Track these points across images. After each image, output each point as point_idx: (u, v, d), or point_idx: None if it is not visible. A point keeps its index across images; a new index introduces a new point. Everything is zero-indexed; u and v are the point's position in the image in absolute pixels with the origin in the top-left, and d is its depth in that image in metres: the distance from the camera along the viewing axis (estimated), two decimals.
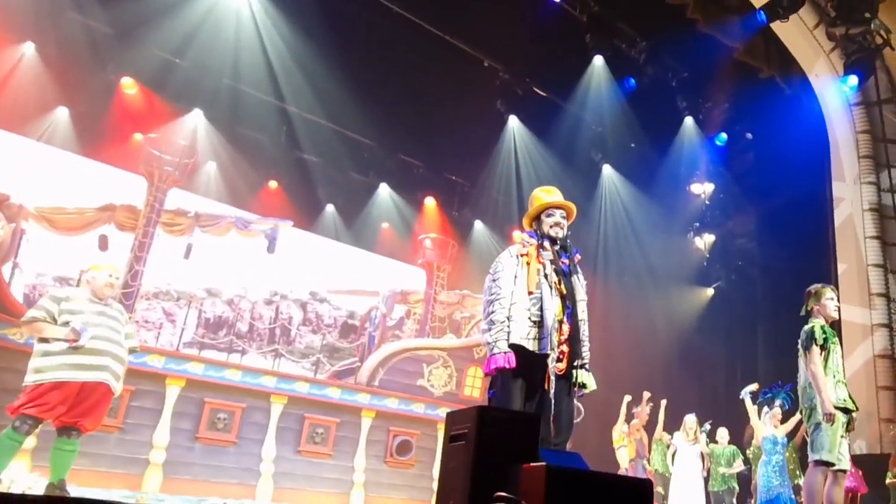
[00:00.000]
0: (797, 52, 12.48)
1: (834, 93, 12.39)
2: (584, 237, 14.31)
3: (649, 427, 10.33)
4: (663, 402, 10.13)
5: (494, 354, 3.78)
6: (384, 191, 15.55)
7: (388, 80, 12.46)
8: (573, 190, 11.52)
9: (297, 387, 9.52)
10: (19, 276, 9.25)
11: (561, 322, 3.89)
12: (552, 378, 3.79)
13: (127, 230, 10.32)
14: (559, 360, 3.84)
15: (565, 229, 4.15)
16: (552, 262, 4.02)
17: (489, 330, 3.86)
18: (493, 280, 3.99)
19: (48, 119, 11.87)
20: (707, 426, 9.68)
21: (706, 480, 9.54)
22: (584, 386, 3.99)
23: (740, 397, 8.62)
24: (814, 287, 5.31)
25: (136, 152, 10.94)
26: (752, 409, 8.51)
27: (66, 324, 4.84)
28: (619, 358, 13.11)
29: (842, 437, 4.88)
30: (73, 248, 10.70)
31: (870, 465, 8.90)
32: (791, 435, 8.52)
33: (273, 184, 14.37)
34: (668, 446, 10.06)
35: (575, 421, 4.12)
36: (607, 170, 15.56)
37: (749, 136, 14.70)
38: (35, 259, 10.94)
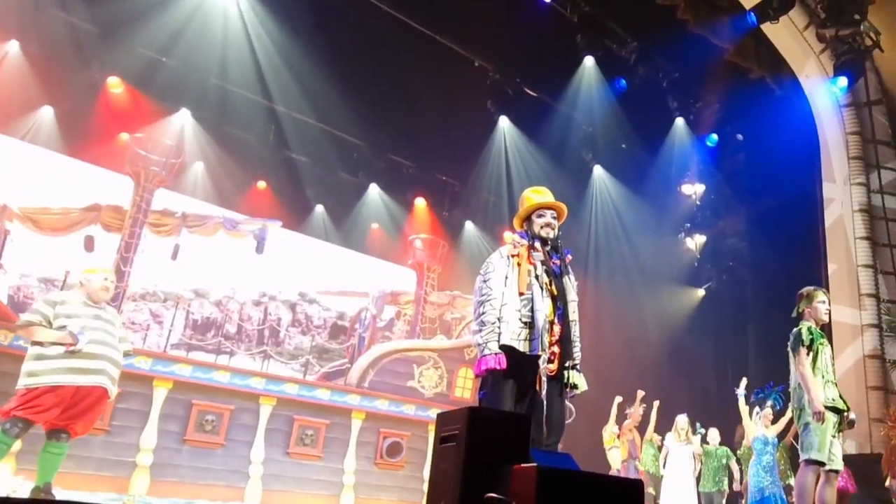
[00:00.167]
0: (787, 53, 12.50)
1: (824, 94, 12.41)
2: (574, 238, 14.30)
3: (641, 427, 10.30)
4: (656, 403, 10.11)
5: (485, 356, 3.76)
6: (374, 191, 15.49)
7: (378, 79, 12.40)
8: (564, 190, 11.45)
9: (287, 388, 9.43)
10: (3, 277, 9.16)
11: (552, 323, 3.88)
12: (543, 379, 3.77)
13: (113, 231, 10.21)
14: (550, 360, 3.83)
15: (556, 230, 4.14)
16: (543, 262, 4.01)
17: (480, 331, 3.84)
18: (484, 281, 3.97)
19: (33, 118, 11.76)
20: (702, 430, 9.66)
21: (697, 481, 9.51)
22: (575, 387, 3.98)
23: (737, 393, 8.62)
24: (806, 289, 5.34)
25: (123, 152, 10.83)
26: (744, 408, 8.52)
27: (63, 327, 4.83)
28: (611, 358, 13.09)
29: (833, 437, 4.90)
30: (59, 248, 10.59)
31: (859, 465, 8.88)
32: (782, 435, 8.53)
33: (261, 184, 14.29)
34: (659, 447, 10.04)
35: (566, 422, 4.08)
36: (598, 170, 15.56)
37: (740, 136, 14.74)
38: (19, 260, 10.83)
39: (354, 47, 11.83)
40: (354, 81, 12.04)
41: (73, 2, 10.84)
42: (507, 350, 3.77)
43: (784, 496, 7.99)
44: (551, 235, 4.11)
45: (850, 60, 11.73)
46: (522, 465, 3.01)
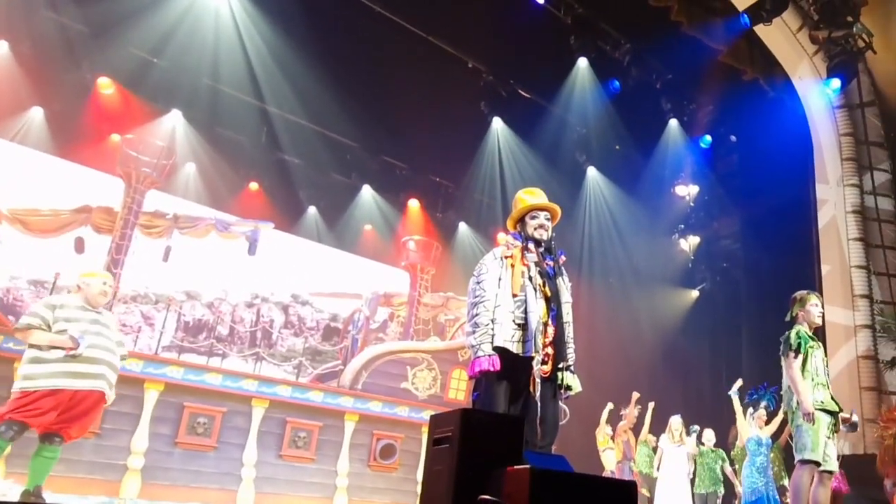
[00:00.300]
0: (780, 54, 12.51)
1: (817, 95, 12.43)
2: (568, 239, 14.29)
3: (636, 428, 10.28)
4: (651, 404, 10.09)
5: (479, 357, 3.74)
6: (367, 192, 15.45)
7: (371, 80, 12.36)
8: (557, 191, 11.49)
9: (279, 390, 9.36)
10: None
11: (546, 324, 3.87)
12: (537, 381, 3.75)
13: (104, 232, 10.16)
14: (544, 362, 3.82)
15: (550, 231, 4.13)
16: (537, 264, 3.99)
17: (473, 333, 3.82)
18: (478, 282, 3.95)
19: (22, 119, 11.68)
20: (696, 427, 9.65)
21: (692, 482, 9.49)
22: (569, 388, 3.96)
23: (729, 394, 8.62)
24: (799, 293, 5.39)
25: (113, 153, 10.79)
26: (739, 409, 8.52)
27: (63, 331, 4.85)
28: (605, 360, 13.07)
29: (827, 438, 4.94)
30: (48, 250, 10.52)
31: (853, 466, 8.88)
32: (776, 436, 8.53)
33: (254, 185, 14.25)
34: (654, 448, 10.02)
35: (560, 423, 4.06)
36: (592, 171, 15.55)
37: (733, 138, 14.76)
38: (9, 262, 10.75)
39: (347, 48, 11.79)
40: (347, 82, 12.00)
41: (64, 2, 10.77)
42: (501, 352, 3.75)
43: (777, 497, 8.00)
44: (545, 237, 4.09)
45: (843, 62, 11.75)
46: (516, 466, 2.99)
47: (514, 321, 3.83)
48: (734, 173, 14.84)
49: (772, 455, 8.43)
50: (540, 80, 13.62)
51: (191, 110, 12.66)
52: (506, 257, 3.99)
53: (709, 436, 9.68)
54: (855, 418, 5.29)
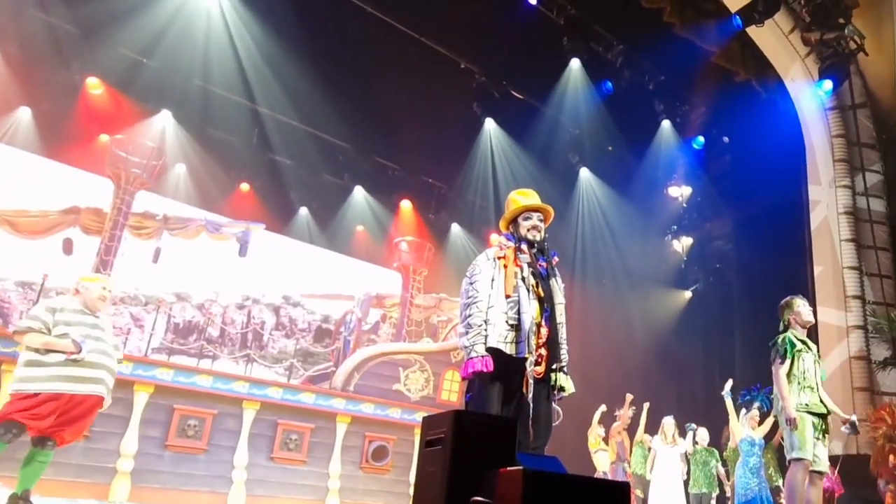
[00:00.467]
0: (773, 56, 12.54)
1: (809, 97, 12.46)
2: (561, 240, 14.29)
3: (631, 429, 10.25)
4: (646, 405, 10.07)
5: (472, 358, 3.72)
6: (359, 193, 15.41)
7: (363, 81, 12.32)
8: (550, 193, 11.48)
9: (270, 392, 9.30)
10: None
11: (539, 325, 3.84)
12: (530, 382, 3.73)
13: (92, 233, 10.10)
14: (537, 363, 3.79)
15: (543, 232, 4.12)
16: (530, 265, 3.97)
17: (466, 333, 3.80)
18: (471, 283, 3.93)
19: (10, 119, 11.61)
20: (693, 426, 9.63)
21: (686, 483, 9.48)
22: (562, 389, 3.95)
23: (722, 394, 8.62)
24: (784, 300, 5.50)
25: (102, 154, 10.72)
26: (732, 409, 8.51)
27: (64, 335, 4.84)
28: (598, 361, 13.07)
29: (817, 438, 5.02)
30: (37, 251, 10.44)
31: (846, 466, 8.89)
32: (769, 437, 8.52)
33: (245, 186, 14.19)
34: (649, 449, 10.00)
35: (553, 424, 4.03)
36: (584, 173, 15.56)
37: (726, 139, 14.79)
38: None
39: (339, 48, 11.75)
40: (339, 83, 11.95)
41: (52, 2, 10.71)
42: (494, 353, 3.73)
43: (771, 498, 7.98)
44: (538, 238, 4.08)
45: (834, 64, 11.78)
46: (508, 468, 2.97)
47: (507, 322, 3.81)
48: (727, 174, 14.87)
49: (767, 456, 8.42)
50: (532, 81, 13.61)
51: (181, 111, 12.59)
52: (499, 258, 3.97)
53: (703, 435, 9.67)
54: (854, 418, 5.36)
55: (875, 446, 8.99)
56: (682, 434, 9.66)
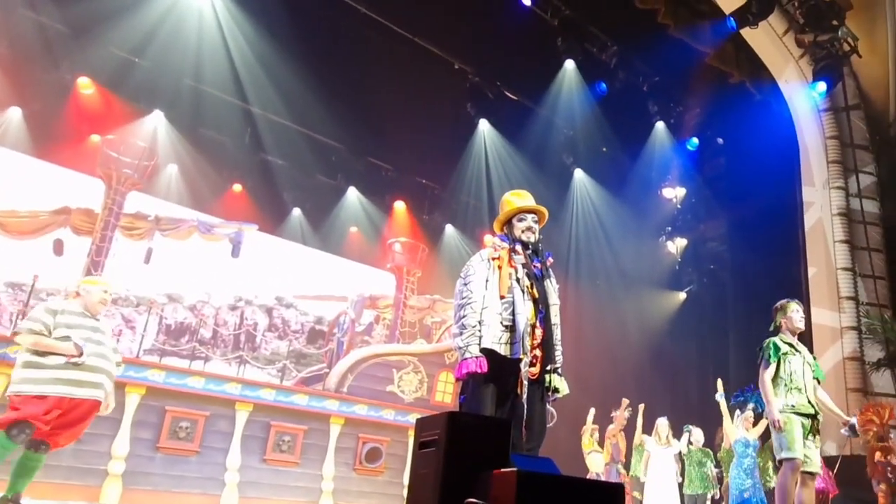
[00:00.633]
0: (767, 58, 12.58)
1: (803, 98, 12.50)
2: (555, 241, 14.29)
3: (627, 431, 10.22)
4: (641, 407, 10.05)
5: (466, 359, 3.69)
6: (352, 194, 15.37)
7: (356, 81, 12.30)
8: (545, 194, 11.45)
9: (263, 394, 9.25)
10: None
11: (533, 326, 3.82)
12: (525, 383, 3.71)
13: (83, 234, 10.02)
14: (532, 364, 3.77)
15: (537, 234, 4.10)
16: (524, 265, 3.95)
17: (460, 334, 3.77)
18: (465, 284, 3.90)
19: (0, 119, 11.50)
20: (689, 427, 9.63)
21: (681, 484, 9.46)
22: (556, 390, 3.92)
23: (716, 397, 8.62)
24: (779, 303, 5.57)
25: (93, 154, 10.64)
26: (726, 412, 8.51)
27: (65, 338, 4.83)
28: (592, 362, 13.06)
29: (807, 439, 5.08)
30: (27, 252, 10.37)
31: (840, 467, 8.89)
32: (763, 437, 8.50)
33: (237, 187, 14.14)
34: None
35: (548, 426, 4.01)
36: (579, 174, 15.57)
37: (720, 140, 14.82)
38: None
39: (332, 48, 11.73)
40: (332, 83, 11.92)
41: (43, 1, 10.64)
42: (488, 353, 3.70)
43: (765, 499, 7.98)
44: (532, 239, 4.06)
45: (828, 65, 11.82)
46: (502, 469, 2.96)
47: (501, 323, 3.79)
48: (721, 176, 14.92)
49: (762, 457, 8.41)
50: (527, 82, 13.62)
51: (173, 111, 12.53)
52: (493, 259, 3.95)
53: (697, 436, 9.66)
54: (854, 421, 5.45)
55: (868, 448, 9.01)
56: (677, 435, 9.64)
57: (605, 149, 14.87)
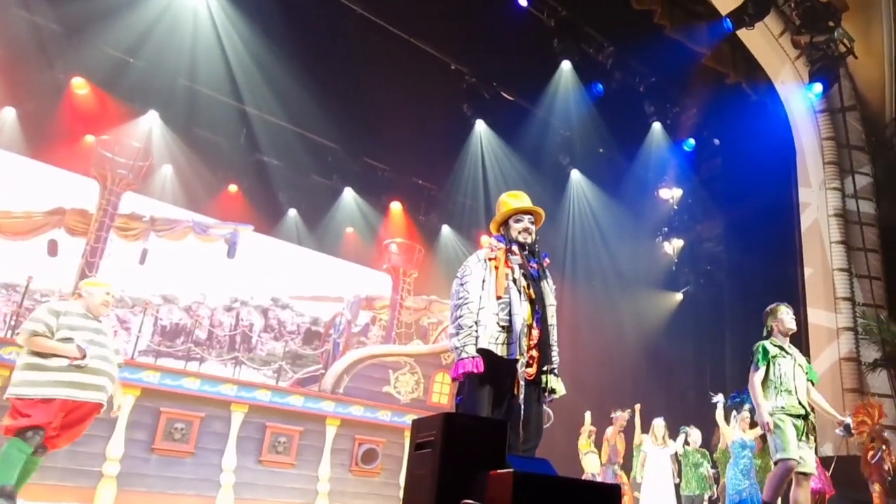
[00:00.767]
0: (763, 59, 12.59)
1: (799, 100, 12.52)
2: (552, 242, 14.28)
3: (627, 433, 10.20)
4: (637, 407, 10.04)
5: (462, 359, 3.69)
6: (348, 195, 15.34)
7: (352, 82, 12.27)
8: (541, 194, 11.46)
9: (259, 395, 9.22)
10: None
11: (530, 327, 3.82)
12: (521, 383, 3.71)
13: (78, 235, 9.98)
14: (528, 365, 3.77)
15: (534, 234, 4.11)
16: (521, 266, 3.95)
17: (457, 334, 3.77)
18: (461, 284, 3.90)
19: None
20: (686, 429, 9.62)
21: (678, 485, 9.45)
22: (553, 391, 3.92)
23: (714, 401, 8.63)
24: (769, 307, 5.62)
25: (88, 154, 10.59)
26: (721, 417, 8.55)
27: (68, 339, 4.79)
28: (588, 363, 13.05)
29: (800, 440, 5.11)
30: (21, 253, 10.32)
31: (837, 467, 8.91)
32: (763, 438, 8.49)
33: (233, 187, 14.11)
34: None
35: (544, 426, 4.00)
36: (575, 174, 15.56)
37: (717, 141, 14.83)
38: None
39: (328, 49, 11.71)
40: (328, 84, 11.90)
41: (37, 1, 10.60)
42: (485, 354, 3.71)
43: (762, 499, 7.95)
44: (529, 240, 4.07)
45: (824, 67, 11.85)
46: (499, 470, 2.96)
47: (498, 323, 3.79)
48: (717, 176, 14.92)
49: (761, 458, 8.42)
50: (523, 83, 13.61)
51: (168, 111, 12.49)
52: (489, 259, 3.95)
53: (695, 436, 9.66)
54: (849, 420, 5.54)
55: (862, 448, 9.03)
56: (673, 435, 9.63)
57: (601, 149, 14.87)
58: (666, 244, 15.93)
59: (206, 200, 13.45)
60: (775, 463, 5.16)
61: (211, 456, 8.67)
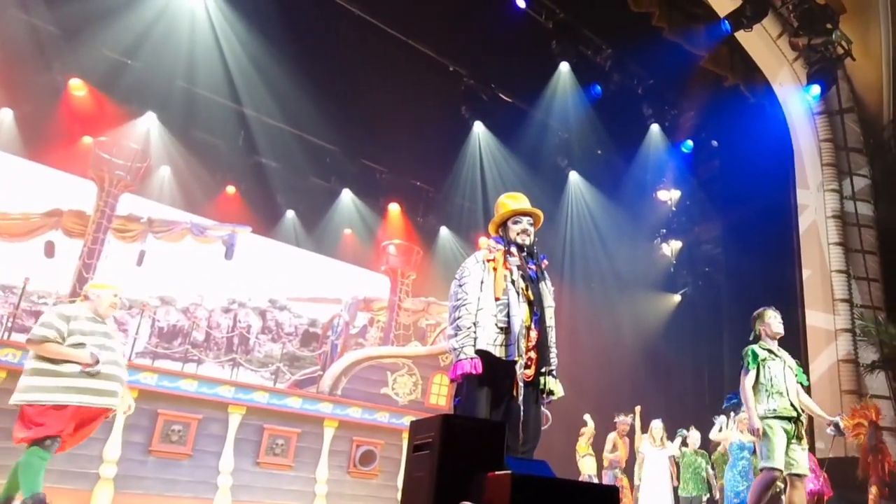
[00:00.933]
0: (761, 61, 12.61)
1: (797, 101, 12.54)
2: (550, 244, 14.27)
3: (630, 438, 10.18)
4: (638, 409, 10.03)
5: (461, 360, 3.69)
6: (346, 196, 15.33)
7: (350, 83, 12.27)
8: (539, 196, 11.43)
9: (256, 396, 9.21)
10: None
11: (528, 328, 3.82)
12: (520, 385, 3.70)
13: (75, 236, 9.98)
14: (527, 366, 3.77)
15: (532, 236, 4.11)
16: (519, 267, 3.95)
17: (455, 336, 3.77)
18: (460, 285, 3.90)
19: None
20: (684, 432, 9.61)
21: (676, 487, 9.44)
22: (551, 393, 3.93)
23: (715, 420, 8.72)
24: (757, 311, 5.66)
25: (85, 156, 10.59)
26: (715, 434, 8.69)
27: (80, 345, 4.73)
28: (587, 364, 13.04)
29: (791, 442, 5.13)
30: (18, 254, 10.30)
31: (835, 468, 8.90)
32: None
33: (231, 189, 14.09)
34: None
35: (542, 428, 3.99)
36: (574, 176, 15.57)
37: (715, 143, 14.85)
38: None
39: (326, 50, 11.69)
40: (326, 85, 11.89)
41: (34, 2, 10.58)
42: (483, 355, 3.70)
43: None
44: (527, 242, 4.06)
45: (822, 69, 11.88)
46: (497, 472, 2.96)
47: (496, 325, 3.79)
48: (716, 178, 14.94)
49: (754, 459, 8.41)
50: (521, 85, 13.62)
51: (166, 113, 12.47)
52: (488, 261, 3.95)
53: (694, 437, 9.65)
54: (838, 419, 5.51)
55: (860, 450, 9.03)
56: (672, 437, 9.63)
57: (599, 151, 14.88)
58: (664, 246, 15.95)
59: (203, 202, 13.43)
60: (761, 470, 5.20)
61: (208, 458, 8.66)
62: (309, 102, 12.08)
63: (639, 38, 12.00)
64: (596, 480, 9.62)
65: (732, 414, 8.74)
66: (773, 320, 5.50)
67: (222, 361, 11.97)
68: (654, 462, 9.40)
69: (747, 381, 5.32)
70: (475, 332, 3.74)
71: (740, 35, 11.95)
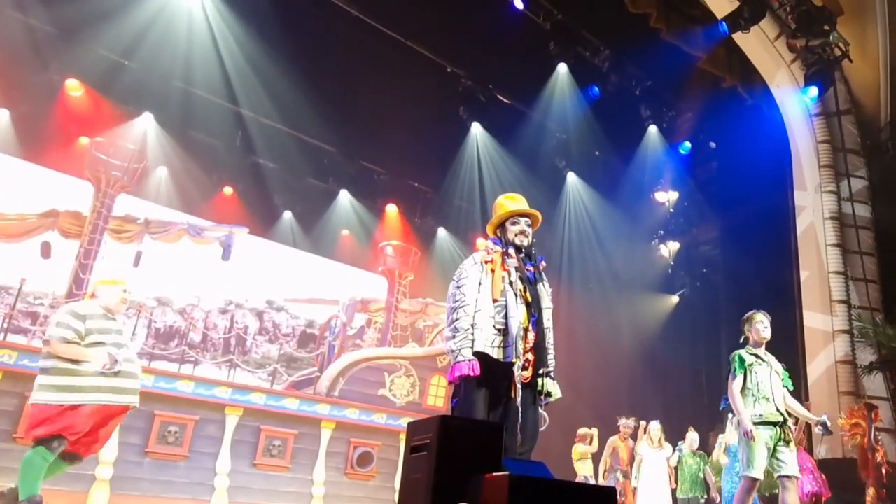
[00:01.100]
0: (759, 62, 12.61)
1: (795, 103, 12.54)
2: (548, 245, 14.27)
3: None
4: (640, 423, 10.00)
5: (458, 362, 3.69)
6: (344, 197, 15.31)
7: (348, 84, 12.27)
8: (537, 197, 11.37)
9: (253, 398, 9.21)
10: None
11: (526, 330, 3.82)
12: (518, 386, 3.70)
13: (71, 237, 9.96)
14: (524, 368, 3.77)
15: (530, 237, 4.11)
16: (517, 269, 3.95)
17: (453, 337, 3.78)
18: (458, 287, 3.91)
19: None
20: (682, 446, 9.60)
21: (674, 489, 9.43)
22: (549, 394, 3.93)
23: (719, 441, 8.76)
24: (746, 315, 5.71)
25: (82, 156, 10.58)
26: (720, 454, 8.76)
27: (97, 344, 4.73)
28: (584, 366, 13.02)
29: (778, 444, 5.19)
30: (14, 255, 10.27)
31: (833, 470, 8.90)
32: None
33: (228, 189, 14.06)
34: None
35: (540, 429, 3.99)
36: (571, 177, 15.58)
37: (712, 144, 14.87)
38: None
39: (324, 51, 11.69)
40: (324, 86, 11.87)
41: (31, 2, 10.56)
42: (481, 357, 3.70)
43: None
44: (525, 243, 4.07)
45: (820, 70, 11.86)
46: (494, 473, 2.96)
47: (494, 326, 3.79)
48: (713, 180, 14.97)
49: None
50: (519, 86, 13.64)
51: (163, 113, 12.45)
52: (486, 262, 3.95)
53: (693, 439, 9.64)
54: (825, 419, 5.50)
55: (858, 451, 9.02)
56: (670, 438, 9.61)
57: (597, 152, 14.90)
58: (662, 247, 15.94)
59: (200, 203, 13.40)
60: (741, 477, 5.25)
61: (205, 459, 8.66)
62: (306, 103, 12.07)
63: (637, 39, 12.02)
64: (592, 482, 9.60)
65: (730, 415, 8.72)
66: (759, 325, 5.54)
67: (219, 363, 11.95)
68: (652, 463, 9.38)
69: (735, 386, 5.37)
70: (473, 334, 3.74)
71: (738, 37, 11.96)
